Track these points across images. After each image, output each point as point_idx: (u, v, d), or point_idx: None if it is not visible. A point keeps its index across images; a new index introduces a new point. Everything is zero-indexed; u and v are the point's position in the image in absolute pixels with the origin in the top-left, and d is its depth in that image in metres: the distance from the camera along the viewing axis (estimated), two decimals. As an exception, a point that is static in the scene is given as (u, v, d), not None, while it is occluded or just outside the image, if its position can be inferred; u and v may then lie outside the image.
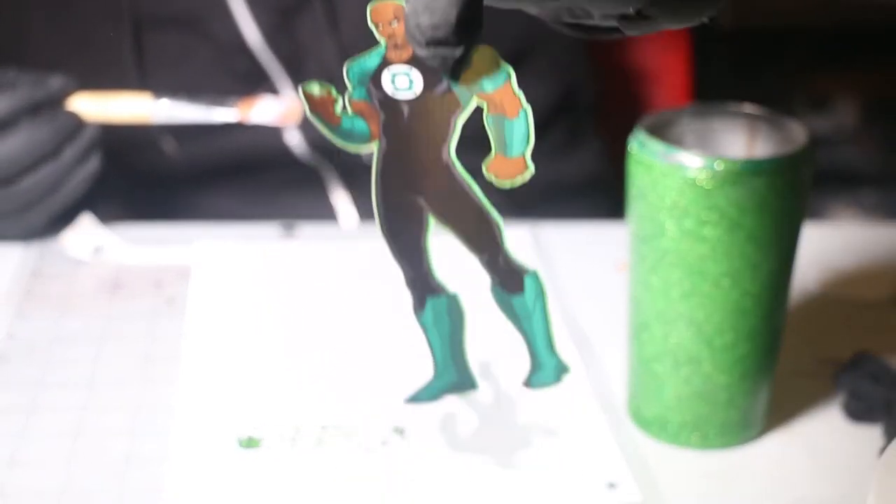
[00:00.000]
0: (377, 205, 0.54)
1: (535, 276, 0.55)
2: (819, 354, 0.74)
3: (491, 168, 0.52)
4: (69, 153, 0.84)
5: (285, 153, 0.96)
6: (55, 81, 0.84)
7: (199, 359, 0.73)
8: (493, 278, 0.55)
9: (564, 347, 0.75)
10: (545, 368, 0.57)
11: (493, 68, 0.50)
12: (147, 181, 0.99)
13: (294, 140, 0.96)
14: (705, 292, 0.63)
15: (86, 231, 0.85)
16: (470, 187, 0.53)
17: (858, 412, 0.69)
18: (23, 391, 0.70)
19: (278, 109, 0.82)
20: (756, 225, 0.61)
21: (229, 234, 0.89)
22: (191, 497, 0.61)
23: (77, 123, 0.84)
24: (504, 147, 0.51)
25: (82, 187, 0.85)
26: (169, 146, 0.90)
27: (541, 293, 0.56)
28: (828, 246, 0.89)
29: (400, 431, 0.67)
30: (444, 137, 0.52)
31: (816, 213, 0.96)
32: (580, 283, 0.83)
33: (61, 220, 0.87)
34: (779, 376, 0.68)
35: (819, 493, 0.64)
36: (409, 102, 0.51)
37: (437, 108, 0.51)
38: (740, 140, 0.67)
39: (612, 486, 0.63)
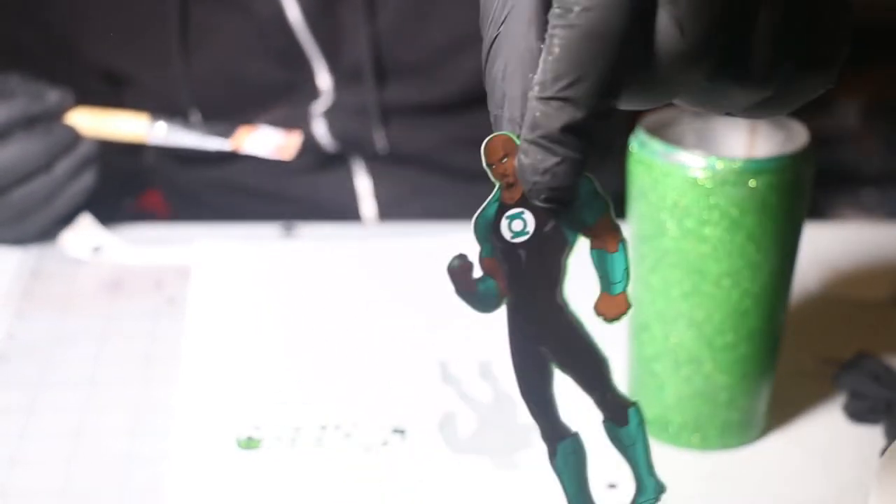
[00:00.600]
0: (514, 364, 0.52)
1: (637, 407, 0.54)
2: (820, 354, 0.74)
3: (599, 308, 0.50)
4: (62, 167, 0.84)
5: (310, 142, 0.96)
6: (53, 95, 0.84)
7: (199, 359, 0.73)
8: (604, 413, 0.54)
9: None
10: (647, 490, 0.57)
11: (594, 200, 0.47)
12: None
13: (320, 129, 0.97)
14: (706, 292, 0.63)
15: (85, 231, 0.85)
16: (581, 327, 0.51)
17: (859, 412, 0.69)
18: (23, 391, 0.70)
19: (274, 142, 0.81)
20: (757, 225, 0.61)
21: (229, 234, 0.89)
22: (191, 498, 0.61)
23: (73, 138, 0.84)
24: (609, 285, 0.50)
25: (75, 201, 0.86)
26: (150, 156, 0.90)
27: (642, 422, 0.55)
28: (829, 246, 0.89)
29: (400, 432, 0.67)
30: (557, 279, 0.50)
31: (817, 213, 0.96)
32: (580, 282, 0.83)
33: (56, 227, 0.87)
34: (779, 376, 0.68)
35: (820, 494, 0.63)
36: (526, 246, 0.48)
37: (548, 249, 0.49)
38: (741, 140, 0.67)
39: (612, 486, 0.63)
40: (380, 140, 0.97)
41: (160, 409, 0.68)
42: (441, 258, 0.87)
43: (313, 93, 0.97)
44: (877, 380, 0.70)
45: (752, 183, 0.60)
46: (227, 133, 0.82)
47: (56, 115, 0.84)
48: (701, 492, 0.63)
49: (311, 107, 0.97)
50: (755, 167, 0.60)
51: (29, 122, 0.82)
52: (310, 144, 0.96)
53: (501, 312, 0.77)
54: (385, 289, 0.82)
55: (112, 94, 0.99)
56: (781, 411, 0.69)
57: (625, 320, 0.68)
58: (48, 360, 0.73)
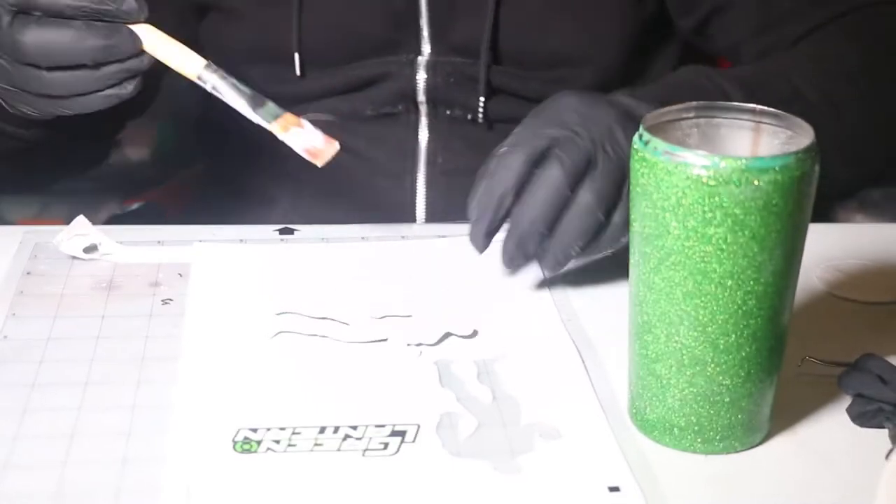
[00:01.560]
0: None
1: None
2: (824, 356, 0.73)
3: None
4: (109, 70, 0.80)
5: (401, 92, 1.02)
6: (130, 3, 0.80)
7: (195, 361, 0.72)
8: None
9: (568, 355, 0.74)
10: None
11: None
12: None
13: (410, 85, 1.01)
14: (709, 293, 0.62)
15: (78, 231, 0.85)
16: None
17: (865, 415, 0.68)
18: (17, 392, 0.69)
19: (312, 143, 0.80)
20: (760, 224, 0.61)
21: (225, 237, 0.88)
22: (188, 501, 0.60)
23: (131, 48, 0.80)
24: None
25: (105, 104, 0.82)
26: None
27: None
28: (834, 246, 0.88)
29: (399, 434, 0.66)
30: None
31: (822, 213, 0.96)
32: (580, 283, 0.82)
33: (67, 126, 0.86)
34: (784, 378, 0.67)
35: (825, 498, 0.63)
36: None
37: None
38: (745, 139, 0.66)
39: (614, 489, 0.62)
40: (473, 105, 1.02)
41: (156, 410, 0.68)
42: (441, 258, 0.87)
43: (414, 55, 1.01)
44: (883, 382, 0.69)
45: (756, 182, 0.60)
46: (273, 114, 0.81)
47: (125, 20, 0.80)
48: (704, 496, 0.63)
49: (406, 67, 1.01)
50: (759, 166, 0.60)
51: (94, 15, 0.79)
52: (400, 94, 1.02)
53: (500, 310, 0.77)
54: (383, 290, 0.81)
55: (209, 26, 1.03)
56: (786, 414, 0.69)
57: (625, 320, 0.68)
58: (42, 360, 0.72)
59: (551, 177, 0.75)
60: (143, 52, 0.80)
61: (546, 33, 1.00)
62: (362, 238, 0.88)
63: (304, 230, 0.90)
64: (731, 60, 1.06)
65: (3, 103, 0.85)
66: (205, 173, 1.18)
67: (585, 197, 0.75)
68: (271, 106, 0.80)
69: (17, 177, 1.03)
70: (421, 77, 1.01)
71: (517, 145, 0.77)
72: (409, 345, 0.74)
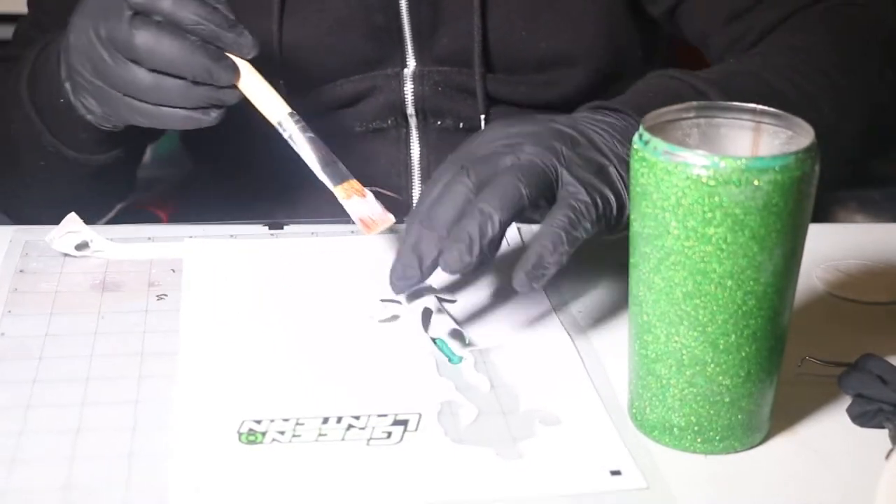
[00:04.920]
0: None
1: None
2: (824, 356, 0.73)
3: None
4: (201, 92, 0.80)
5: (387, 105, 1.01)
6: (247, 38, 0.81)
7: (196, 354, 0.73)
8: None
9: (564, 347, 0.75)
10: None
11: None
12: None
13: (396, 97, 1.01)
14: (709, 293, 0.62)
15: (69, 228, 0.85)
16: None
17: (865, 415, 0.68)
18: (19, 389, 0.69)
19: (368, 213, 0.79)
20: (760, 224, 0.61)
21: (216, 233, 0.89)
22: (195, 493, 0.60)
23: (229, 78, 0.80)
24: None
25: (183, 124, 0.82)
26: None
27: None
28: (834, 246, 0.88)
29: (402, 423, 0.66)
30: None
31: (822, 213, 0.96)
32: (580, 282, 0.82)
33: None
34: (784, 378, 0.67)
35: (824, 498, 0.63)
36: None
37: None
38: (745, 138, 0.66)
39: (615, 473, 0.63)
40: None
41: (159, 404, 0.68)
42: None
43: (399, 67, 1.00)
44: (883, 382, 0.69)
45: (756, 182, 0.60)
46: (341, 177, 0.80)
47: (234, 52, 0.80)
48: (704, 496, 0.63)
49: (392, 80, 1.00)
50: (759, 166, 0.60)
51: (210, 37, 0.79)
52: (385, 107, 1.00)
53: (497, 301, 0.77)
54: (381, 281, 0.81)
55: None
56: (786, 414, 0.69)
57: (625, 320, 0.68)
58: (42, 357, 0.72)
59: (454, 186, 0.73)
60: (236, 86, 0.81)
61: (533, 35, 0.99)
62: (352, 232, 0.89)
63: (293, 226, 0.91)
64: (701, 49, 1.04)
65: (79, 105, 0.85)
66: (196, 182, 1.17)
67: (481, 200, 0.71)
68: (341, 168, 0.81)
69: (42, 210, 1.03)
70: (408, 88, 1.00)
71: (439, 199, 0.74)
72: (408, 334, 0.75)
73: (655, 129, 0.64)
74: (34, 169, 0.96)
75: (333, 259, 0.85)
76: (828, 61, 0.92)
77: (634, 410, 0.68)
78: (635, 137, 0.64)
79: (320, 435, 0.65)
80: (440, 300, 0.77)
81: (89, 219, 0.87)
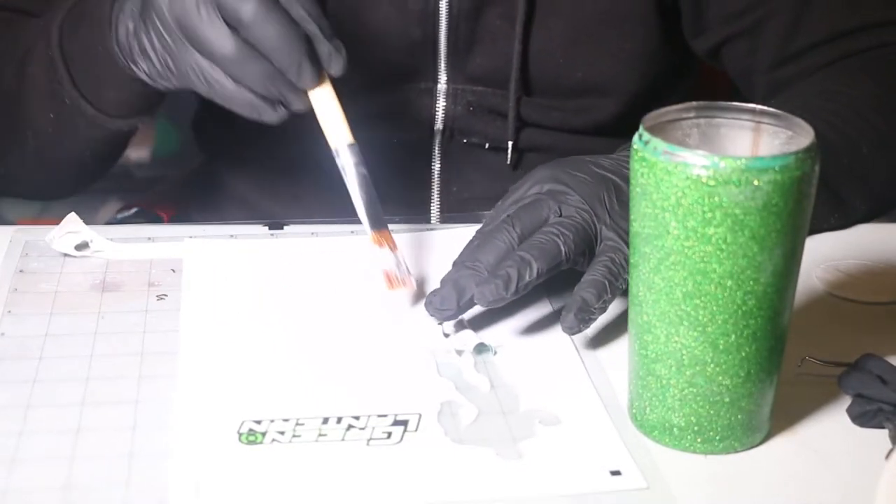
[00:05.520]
0: None
1: None
2: (824, 356, 0.73)
3: None
4: (277, 84, 0.78)
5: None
6: (342, 54, 0.80)
7: (196, 354, 0.73)
8: None
9: (565, 348, 0.75)
10: None
11: None
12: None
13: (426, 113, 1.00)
14: (709, 293, 0.62)
15: (69, 228, 0.85)
16: None
17: (865, 415, 0.68)
18: (19, 389, 0.69)
19: (394, 271, 0.79)
20: (760, 224, 0.61)
21: (216, 233, 0.89)
22: (195, 493, 0.60)
23: (311, 80, 0.79)
24: None
25: (242, 106, 0.80)
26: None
27: None
28: (834, 246, 0.88)
29: (402, 423, 0.66)
30: None
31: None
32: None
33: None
34: (783, 378, 0.67)
35: (824, 498, 0.63)
36: None
37: None
38: (745, 139, 0.66)
39: (615, 473, 0.63)
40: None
41: (159, 404, 0.68)
42: (432, 251, 0.87)
43: (432, 83, 0.99)
44: (883, 382, 0.69)
45: (755, 182, 0.60)
46: (378, 224, 0.80)
47: (324, 57, 0.79)
48: (704, 496, 0.63)
49: (424, 95, 0.99)
50: (759, 166, 0.60)
51: (308, 32, 0.78)
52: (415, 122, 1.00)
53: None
54: (372, 281, 0.82)
55: None
56: (786, 414, 0.69)
57: (627, 321, 0.68)
58: (42, 357, 0.72)
59: (498, 235, 0.75)
60: (310, 94, 0.80)
61: (571, 62, 0.99)
62: (352, 232, 0.89)
63: (293, 226, 0.91)
64: (743, 88, 1.05)
65: (135, 51, 0.82)
66: (199, 179, 1.17)
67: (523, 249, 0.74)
68: (381, 217, 0.80)
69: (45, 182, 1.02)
70: (440, 105, 1.00)
71: (485, 244, 0.76)
72: (407, 334, 0.75)
73: (655, 129, 0.64)
74: (38, 120, 0.93)
75: (333, 259, 0.85)
76: (867, 106, 0.93)
77: (634, 410, 0.68)
78: (635, 137, 0.64)
79: (320, 435, 0.65)
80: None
81: (88, 218, 0.87)
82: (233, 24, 0.76)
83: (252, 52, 0.77)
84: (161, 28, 0.79)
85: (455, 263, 0.76)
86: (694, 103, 0.66)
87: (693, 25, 1.02)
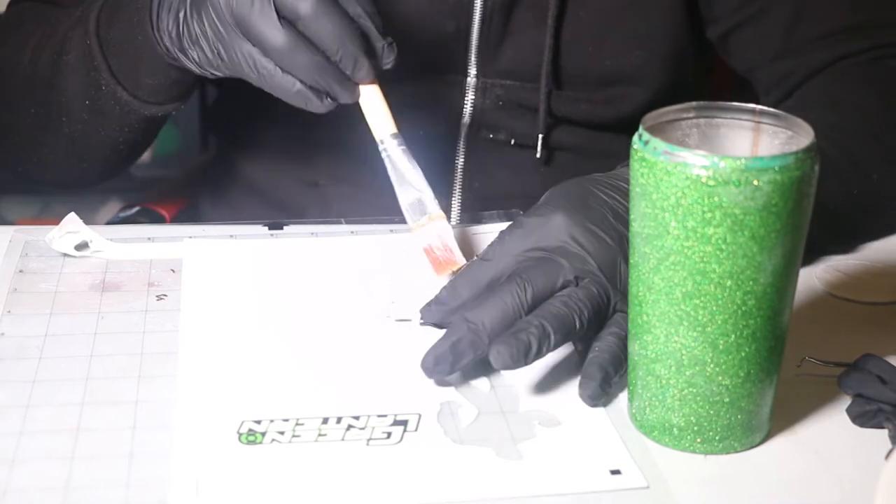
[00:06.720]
0: None
1: None
2: (824, 356, 0.73)
3: None
4: (328, 75, 0.79)
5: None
6: (393, 50, 0.81)
7: (196, 354, 0.73)
8: None
9: (564, 348, 0.75)
10: None
11: None
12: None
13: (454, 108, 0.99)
14: (708, 293, 0.62)
15: (69, 228, 0.85)
16: None
17: (865, 415, 0.68)
18: (19, 389, 0.69)
19: (444, 245, 0.80)
20: (760, 224, 0.61)
21: (216, 233, 0.89)
22: (195, 493, 0.60)
23: (366, 75, 0.81)
24: None
25: (290, 95, 0.81)
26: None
27: None
28: (833, 246, 0.88)
29: (402, 423, 0.66)
30: None
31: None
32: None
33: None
34: (783, 379, 0.67)
35: (824, 498, 0.63)
36: None
37: None
38: (745, 139, 0.66)
39: (615, 472, 0.63)
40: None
41: (159, 404, 0.68)
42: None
43: (461, 76, 0.99)
44: (882, 382, 0.69)
45: (755, 182, 0.60)
46: (421, 213, 0.81)
47: (377, 53, 0.81)
48: (704, 496, 0.63)
49: (454, 88, 1.00)
50: (759, 166, 0.60)
51: (362, 27, 0.80)
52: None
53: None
54: (380, 282, 0.82)
55: None
56: (785, 414, 0.69)
57: (627, 321, 0.68)
58: (42, 357, 0.72)
59: (507, 297, 0.72)
60: (357, 93, 0.82)
61: (599, 52, 0.99)
62: (351, 233, 0.89)
63: (293, 226, 0.91)
64: (749, 80, 1.05)
65: (184, 38, 0.83)
66: (216, 166, 1.16)
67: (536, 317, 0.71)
68: (419, 202, 0.82)
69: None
70: (469, 99, 1.00)
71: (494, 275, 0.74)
72: (407, 335, 0.75)
73: (655, 129, 0.64)
74: (73, 107, 0.93)
75: (333, 259, 0.85)
76: (873, 115, 0.92)
77: (634, 410, 0.68)
78: (635, 137, 0.64)
79: (320, 435, 0.65)
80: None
81: (88, 218, 0.87)
82: (290, 18, 0.78)
83: (303, 43, 0.78)
84: (214, 17, 0.80)
85: (456, 312, 0.73)
86: (694, 103, 0.66)
87: (707, 12, 1.02)
